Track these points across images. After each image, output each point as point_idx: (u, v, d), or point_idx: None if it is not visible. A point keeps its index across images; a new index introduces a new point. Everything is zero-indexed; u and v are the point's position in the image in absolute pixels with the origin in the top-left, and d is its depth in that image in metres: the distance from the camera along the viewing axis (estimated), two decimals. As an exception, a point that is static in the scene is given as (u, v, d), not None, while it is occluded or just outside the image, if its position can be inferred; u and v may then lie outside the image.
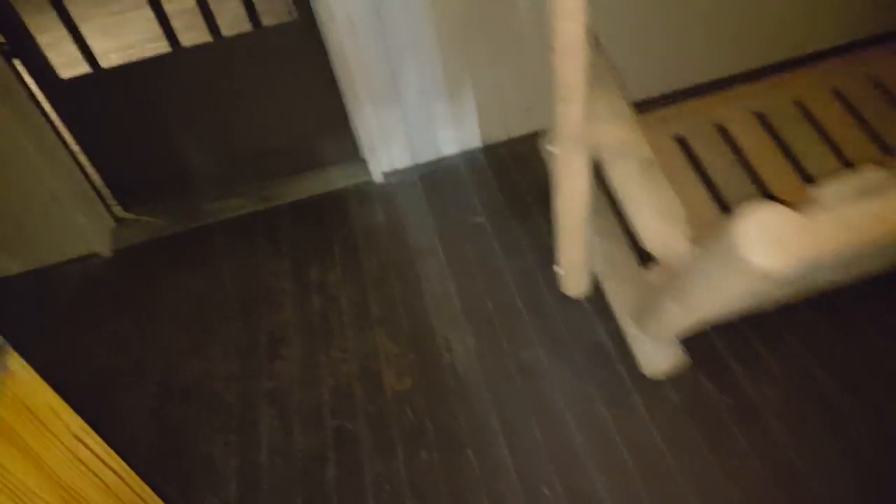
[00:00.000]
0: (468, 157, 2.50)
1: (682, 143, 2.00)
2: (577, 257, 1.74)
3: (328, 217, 2.40)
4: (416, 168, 2.50)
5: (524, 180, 2.33)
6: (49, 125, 2.24)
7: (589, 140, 1.41)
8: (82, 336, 2.17)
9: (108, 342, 2.13)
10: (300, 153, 2.54)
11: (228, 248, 2.37)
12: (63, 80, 2.19)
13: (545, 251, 2.03)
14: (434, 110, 2.36)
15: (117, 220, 2.53)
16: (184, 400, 1.92)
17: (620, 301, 1.78)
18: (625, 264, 1.80)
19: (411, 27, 2.14)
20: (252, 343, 2.03)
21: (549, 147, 1.44)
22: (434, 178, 2.46)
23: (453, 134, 2.45)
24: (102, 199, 2.48)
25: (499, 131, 2.49)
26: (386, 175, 2.49)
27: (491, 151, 2.50)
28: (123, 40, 3.71)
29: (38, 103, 2.20)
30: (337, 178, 2.54)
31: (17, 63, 2.11)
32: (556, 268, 1.84)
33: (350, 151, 2.56)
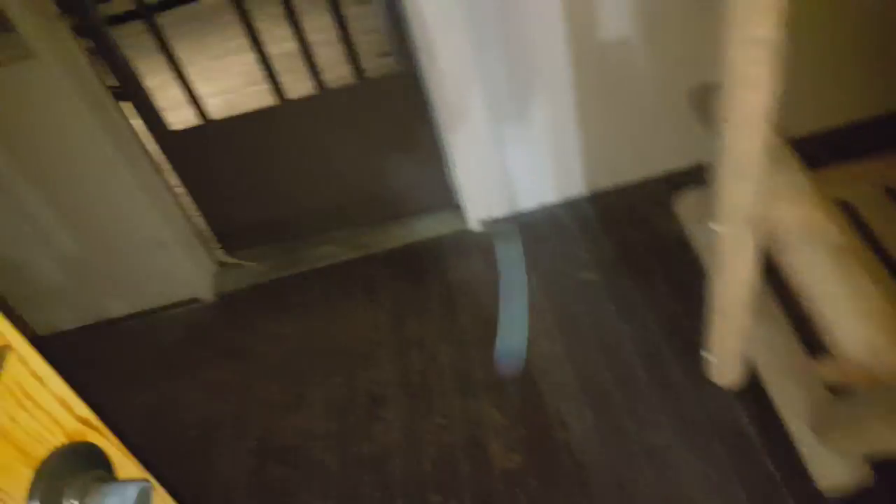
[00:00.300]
0: (572, 205, 2.38)
1: (849, 209, 1.79)
2: (732, 345, 1.55)
3: (424, 267, 2.34)
4: (518, 216, 2.40)
5: (639, 234, 2.18)
6: (155, 170, 2.29)
7: (765, 222, 1.25)
8: (182, 383, 2.18)
9: (207, 391, 2.13)
10: (396, 200, 2.50)
11: (326, 297, 2.34)
12: (173, 131, 2.25)
13: (671, 318, 1.87)
14: (536, 156, 2.27)
15: (220, 264, 2.57)
16: (282, 460, 1.87)
17: (787, 399, 1.57)
18: (790, 354, 1.60)
19: (513, 76, 2.06)
20: (350, 401, 1.97)
21: (711, 225, 1.29)
22: (535, 226, 2.35)
23: (555, 181, 2.35)
24: (206, 243, 2.52)
25: (605, 179, 2.36)
26: (484, 223, 2.41)
27: (598, 200, 2.37)
28: (223, 84, 3.84)
29: (145, 149, 2.26)
30: (433, 226, 2.48)
31: (128, 106, 2.17)
32: (704, 353, 1.65)
33: (447, 198, 2.50)
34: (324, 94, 2.23)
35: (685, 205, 1.81)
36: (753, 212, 1.19)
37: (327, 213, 2.53)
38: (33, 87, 1.88)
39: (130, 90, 2.13)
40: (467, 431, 1.80)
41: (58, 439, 0.57)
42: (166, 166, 2.35)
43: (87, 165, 2.06)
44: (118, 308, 2.45)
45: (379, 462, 1.81)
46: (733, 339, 1.50)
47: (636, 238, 2.17)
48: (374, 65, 3.11)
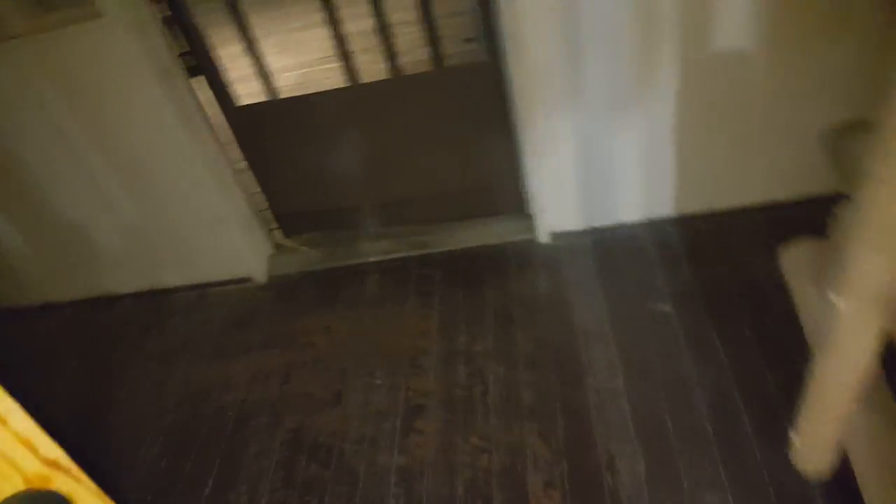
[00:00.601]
0: (655, 226, 2.19)
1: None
2: (826, 432, 1.35)
3: (484, 275, 2.21)
4: (590, 232, 2.24)
5: (727, 268, 1.97)
6: (219, 145, 2.25)
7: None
8: (226, 364, 2.14)
9: (249, 375, 2.08)
10: (462, 199, 2.37)
11: (378, 294, 2.25)
12: (240, 106, 2.20)
13: (752, 372, 1.67)
14: (621, 168, 2.09)
15: (276, 246, 2.52)
16: (313, 457, 1.80)
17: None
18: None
19: (607, 80, 1.90)
20: (389, 407, 1.87)
21: (830, 296, 1.08)
22: (610, 246, 2.18)
23: (640, 197, 2.16)
24: (264, 223, 2.48)
25: (696, 202, 2.16)
26: (554, 236, 2.26)
27: (685, 224, 2.17)
28: (299, 58, 3.80)
29: (210, 122, 2.21)
30: (498, 232, 2.35)
31: (198, 83, 2.13)
32: (790, 433, 1.45)
33: (516, 204, 2.36)
34: (399, 80, 2.13)
35: (793, 256, 1.58)
36: (887, 290, 0.99)
37: (389, 206, 2.43)
38: (101, 48, 1.86)
39: (201, 61, 2.09)
40: (506, 458, 1.67)
41: (13, 485, 0.49)
42: (231, 141, 2.31)
43: (149, 134, 2.03)
44: (172, 278, 2.44)
45: (409, 477, 1.70)
46: (830, 426, 1.29)
47: (723, 273, 1.96)
48: (456, 51, 2.98)
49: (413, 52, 3.28)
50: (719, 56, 1.82)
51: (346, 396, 1.93)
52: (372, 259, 2.39)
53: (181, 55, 2.05)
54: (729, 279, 1.93)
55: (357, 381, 1.97)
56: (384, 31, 2.03)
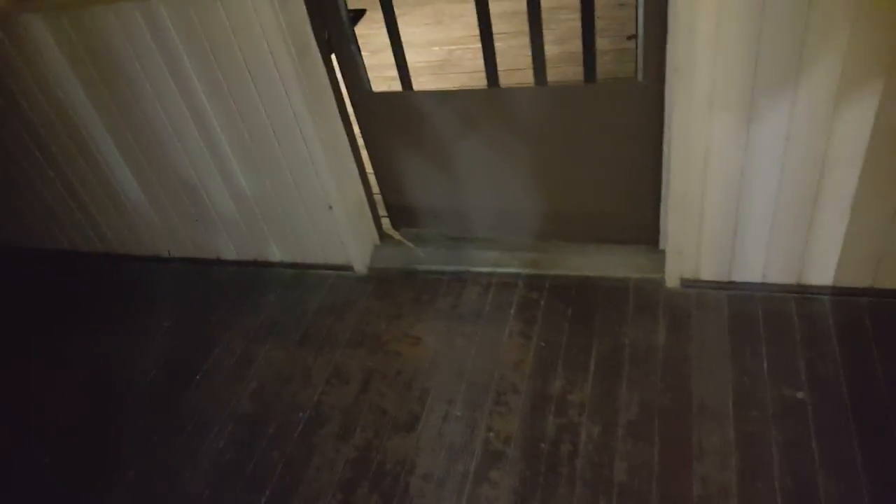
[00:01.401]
0: (805, 294, 1.86)
1: None
2: None
3: (597, 311, 1.97)
4: (726, 286, 1.93)
5: (888, 362, 1.63)
6: (343, 130, 2.14)
7: None
8: (310, 356, 2.06)
9: (330, 375, 1.98)
10: (588, 220, 2.13)
11: (476, 309, 2.08)
12: (373, 92, 2.07)
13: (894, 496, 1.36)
14: (777, 221, 1.77)
15: (381, 235, 2.41)
16: (376, 485, 1.68)
17: None
18: None
19: (784, 126, 1.58)
20: (465, 445, 1.70)
21: None
22: (748, 307, 1.87)
23: (792, 258, 1.83)
24: (373, 210, 2.37)
25: (861, 273, 1.80)
26: (684, 282, 1.97)
27: (842, 297, 1.82)
28: (453, 33, 3.62)
29: (338, 107, 2.10)
30: (621, 265, 2.09)
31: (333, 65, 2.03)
32: None
33: (647, 237, 2.09)
34: (544, 90, 1.91)
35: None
36: None
37: (507, 214, 2.23)
38: (243, 16, 1.78)
39: (340, 40, 1.97)
40: (585, 543, 1.47)
41: None
42: (353, 125, 2.20)
43: (275, 108, 1.95)
44: (275, 253, 2.40)
45: (473, 532, 1.55)
46: None
47: (882, 367, 1.62)
48: (614, 48, 2.69)
49: (568, 42, 3.02)
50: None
51: (422, 422, 1.79)
52: (477, 269, 2.21)
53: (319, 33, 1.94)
54: (885, 374, 1.59)
55: (436, 407, 1.82)
56: (537, 46, 1.81)
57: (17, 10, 2.02)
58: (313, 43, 1.91)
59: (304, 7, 1.85)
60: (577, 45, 3.15)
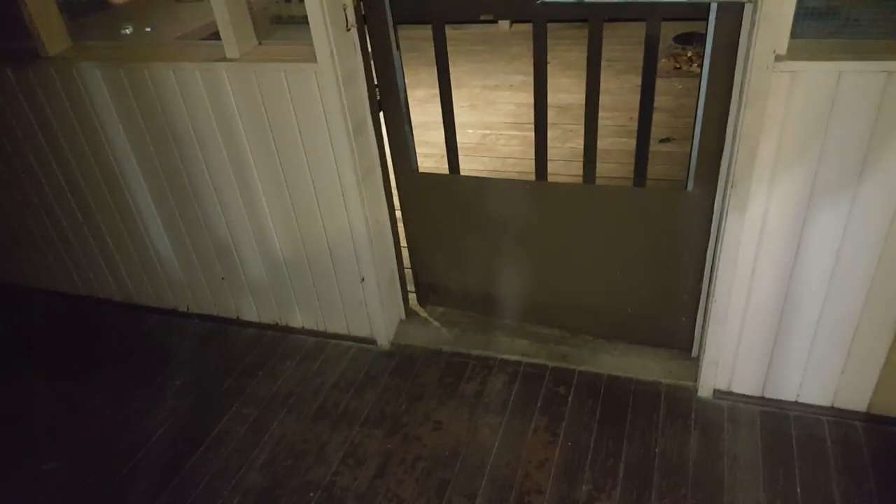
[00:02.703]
0: (840, 419, 1.82)
1: None
2: None
3: (626, 414, 1.92)
4: (760, 402, 1.89)
5: (932, 507, 1.59)
6: (388, 207, 2.15)
7: None
8: (326, 432, 1.99)
9: (346, 455, 1.91)
10: (623, 318, 2.11)
11: (502, 400, 2.02)
12: (419, 172, 2.08)
13: None
14: (818, 345, 1.75)
15: (407, 312, 2.37)
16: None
17: None
18: None
19: (835, 247, 1.59)
20: (486, 547, 1.63)
21: None
22: (781, 426, 1.83)
23: (829, 379, 1.80)
24: (403, 286, 2.34)
25: (898, 404, 1.78)
26: (717, 393, 1.93)
27: (876, 425, 1.79)
28: (486, 118, 3.71)
29: (387, 185, 2.12)
30: (653, 368, 2.05)
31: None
32: None
33: (681, 341, 2.06)
34: (591, 188, 1.92)
35: None
36: None
37: (539, 304, 2.21)
38: (306, 90, 1.81)
39: (395, 120, 2.00)
40: None
41: None
42: (394, 198, 2.20)
43: (324, 180, 1.96)
44: (298, 319, 2.36)
45: None
46: None
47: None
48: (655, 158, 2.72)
49: (602, 139, 3.08)
50: None
51: (442, 517, 1.71)
52: (505, 356, 2.17)
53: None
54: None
55: (455, 500, 1.74)
56: (591, 147, 1.84)
57: (77, 57, 2.06)
58: (370, 121, 1.93)
59: (366, 85, 1.89)
60: (609, 143, 3.21)
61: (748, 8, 1.46)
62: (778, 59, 1.41)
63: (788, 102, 1.45)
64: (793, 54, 1.42)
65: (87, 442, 2.08)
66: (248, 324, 2.44)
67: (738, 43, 1.52)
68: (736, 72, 1.55)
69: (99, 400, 2.24)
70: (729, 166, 1.63)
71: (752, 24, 1.43)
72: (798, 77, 1.42)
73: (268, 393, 2.16)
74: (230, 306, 2.43)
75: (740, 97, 1.53)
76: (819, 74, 1.41)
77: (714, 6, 1.50)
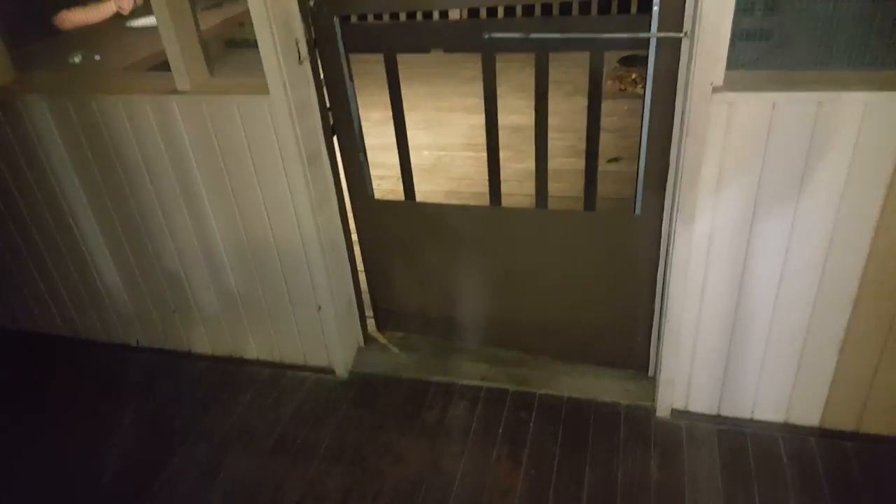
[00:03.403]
0: (793, 434, 1.87)
1: None
2: None
3: (586, 437, 1.93)
4: (716, 420, 1.93)
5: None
6: (344, 234, 2.14)
7: None
8: (282, 465, 1.95)
9: (303, 489, 1.87)
10: (581, 340, 2.13)
11: (463, 427, 2.01)
12: (376, 199, 2.08)
13: None
14: (768, 362, 1.80)
15: (366, 338, 2.36)
16: None
17: None
18: None
19: (779, 264, 1.64)
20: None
21: None
22: (738, 443, 1.86)
23: (781, 397, 1.85)
24: (361, 312, 2.33)
25: (847, 416, 1.83)
26: (675, 413, 1.96)
27: (829, 440, 1.84)
28: (441, 139, 3.74)
29: (343, 211, 2.11)
30: (612, 389, 2.08)
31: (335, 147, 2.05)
32: None
33: (638, 362, 2.09)
34: (543, 213, 1.95)
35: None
36: None
37: (496, 326, 2.22)
38: (258, 122, 1.80)
39: (350, 148, 2.00)
40: None
41: None
42: (350, 223, 2.20)
43: (278, 210, 1.94)
44: (252, 350, 2.31)
45: None
46: None
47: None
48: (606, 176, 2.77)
49: (552, 160, 3.14)
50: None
51: (405, 551, 1.69)
52: (465, 382, 2.17)
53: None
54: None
55: (420, 535, 1.72)
56: (542, 174, 1.87)
57: (22, 89, 2.00)
58: (324, 151, 1.93)
59: (319, 115, 1.88)
60: (559, 163, 3.28)
61: (685, 41, 1.52)
62: (715, 89, 1.47)
63: (727, 130, 1.51)
64: (729, 85, 1.48)
65: (29, 485, 1.99)
66: (201, 357, 2.38)
67: (677, 73, 1.58)
68: (676, 101, 1.60)
69: (43, 440, 2.14)
70: (674, 190, 1.68)
71: (690, 56, 1.49)
72: (735, 107, 1.48)
73: (222, 427, 2.11)
74: (182, 339, 2.37)
75: (681, 125, 1.58)
76: (754, 104, 1.47)
77: (654, 40, 1.56)
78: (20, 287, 2.46)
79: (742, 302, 1.74)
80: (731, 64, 1.50)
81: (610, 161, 3.24)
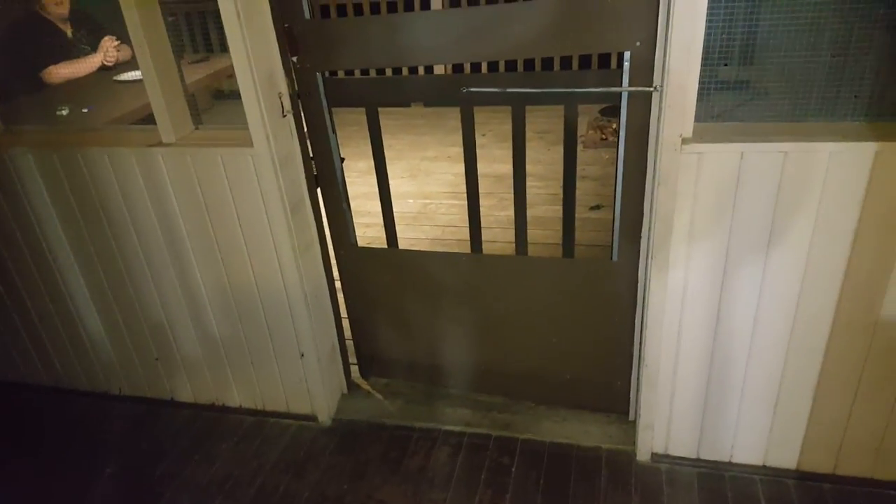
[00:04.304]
0: (771, 477, 1.88)
1: None
2: None
3: (568, 482, 1.93)
4: (695, 463, 1.94)
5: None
6: (327, 283, 2.16)
7: None
8: (266, 513, 1.94)
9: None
10: (560, 386, 2.14)
11: (446, 473, 2.01)
12: (359, 246, 2.12)
13: None
14: (745, 405, 1.83)
15: (350, 385, 2.36)
16: None
17: None
18: None
19: (753, 312, 1.69)
20: None
21: None
22: (717, 486, 1.87)
23: (760, 440, 1.87)
24: (345, 359, 2.33)
25: (825, 460, 1.85)
26: (655, 457, 1.98)
27: (806, 482, 1.85)
28: (426, 188, 3.81)
29: (327, 260, 2.14)
30: (593, 434, 2.09)
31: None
32: None
33: (619, 405, 2.11)
34: (523, 259, 1.99)
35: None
36: None
37: (479, 372, 2.24)
38: (241, 173, 1.84)
39: (333, 198, 2.04)
40: None
41: None
42: (333, 270, 2.22)
43: (262, 259, 1.97)
44: (235, 398, 2.31)
45: None
46: None
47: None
48: (578, 216, 2.82)
49: (534, 207, 3.20)
50: (888, 318, 1.59)
51: None
52: (448, 427, 2.17)
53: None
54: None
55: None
56: (520, 221, 1.93)
57: (8, 142, 2.04)
58: (308, 200, 1.97)
59: (303, 166, 1.93)
60: (542, 210, 3.35)
61: (655, 95, 1.59)
62: (685, 141, 1.53)
63: (697, 180, 1.57)
64: (698, 137, 1.54)
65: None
66: (184, 405, 2.37)
67: (649, 125, 1.64)
68: (649, 152, 1.67)
69: (26, 489, 2.11)
70: (649, 237, 1.72)
71: (660, 109, 1.55)
72: (704, 157, 1.54)
73: (203, 478, 2.09)
74: (164, 387, 2.36)
75: (654, 175, 1.64)
76: (723, 155, 1.53)
77: (625, 94, 1.62)
78: (2, 336, 2.44)
79: (718, 347, 1.78)
80: (708, 115, 1.57)
81: (592, 208, 3.31)
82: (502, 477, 1.98)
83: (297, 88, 1.86)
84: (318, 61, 1.81)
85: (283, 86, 1.80)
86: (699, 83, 1.50)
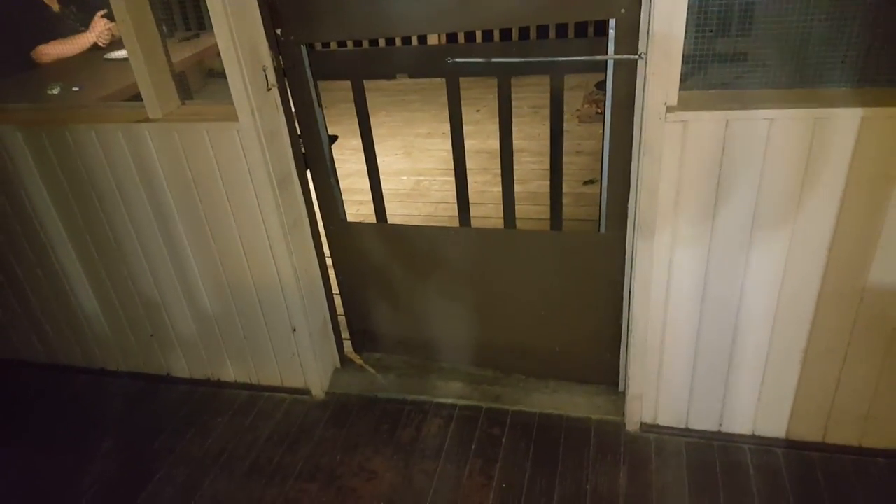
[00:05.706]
0: (760, 446, 1.89)
1: None
2: None
3: (557, 452, 1.95)
4: (684, 433, 1.96)
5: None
6: (317, 256, 2.17)
7: None
8: (259, 486, 1.96)
9: (279, 508, 1.90)
10: (550, 357, 2.16)
11: (437, 445, 2.03)
12: (348, 222, 2.12)
13: None
14: (732, 375, 1.84)
15: (342, 360, 2.38)
16: None
17: None
18: None
19: (740, 281, 1.69)
20: None
21: None
22: (706, 456, 1.89)
23: (749, 410, 1.88)
24: (337, 334, 2.35)
25: (813, 429, 1.86)
26: (644, 427, 1.99)
27: (795, 451, 1.87)
28: (419, 165, 3.80)
29: (315, 235, 2.14)
30: (582, 405, 2.10)
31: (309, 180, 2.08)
32: None
33: (607, 376, 2.12)
34: (512, 232, 1.99)
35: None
36: None
37: (470, 345, 2.25)
38: (228, 148, 1.84)
39: (321, 173, 2.04)
40: None
41: None
42: (324, 246, 2.23)
43: (251, 235, 1.98)
44: (230, 373, 2.33)
45: None
46: None
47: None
48: (572, 191, 2.84)
49: (528, 183, 3.19)
50: (875, 286, 1.59)
51: (377, 570, 1.70)
52: (440, 400, 2.19)
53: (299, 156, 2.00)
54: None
55: (393, 553, 1.73)
56: (509, 195, 1.92)
57: (-4, 120, 2.04)
58: (295, 176, 1.97)
59: (289, 141, 1.93)
60: (536, 186, 3.33)
61: (641, 63, 1.58)
62: (669, 109, 1.52)
63: (683, 149, 1.56)
64: (683, 105, 1.53)
65: (5, 514, 1.99)
66: (179, 380, 2.40)
67: (634, 95, 1.63)
68: (635, 121, 1.66)
69: (23, 464, 2.15)
70: (634, 209, 1.72)
71: (645, 77, 1.54)
72: (689, 126, 1.53)
73: (199, 451, 2.12)
74: (160, 363, 2.39)
75: (639, 145, 1.63)
76: (708, 123, 1.52)
77: (611, 62, 1.61)
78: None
79: (705, 317, 1.78)
80: (707, 85, 1.56)
81: (586, 183, 3.29)
82: (493, 447, 2.00)
83: (281, 63, 1.85)
84: (302, 33, 1.79)
85: (267, 59, 1.79)
86: (683, 50, 1.49)
